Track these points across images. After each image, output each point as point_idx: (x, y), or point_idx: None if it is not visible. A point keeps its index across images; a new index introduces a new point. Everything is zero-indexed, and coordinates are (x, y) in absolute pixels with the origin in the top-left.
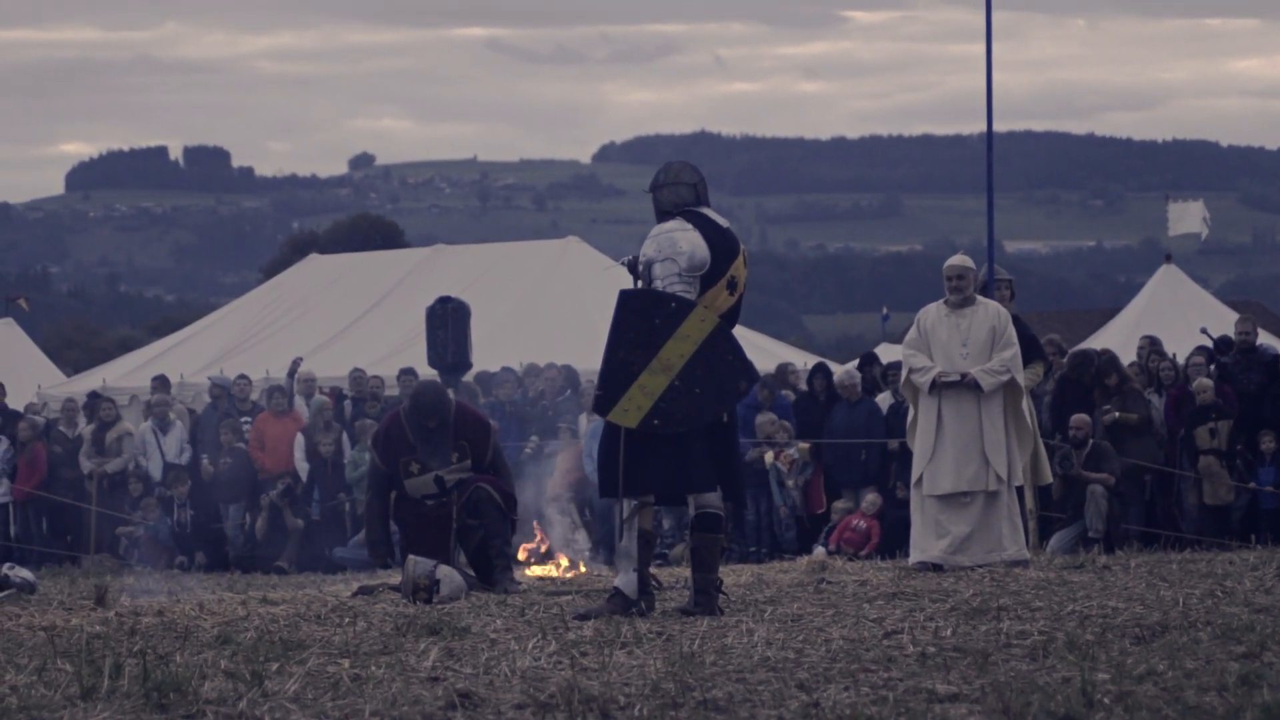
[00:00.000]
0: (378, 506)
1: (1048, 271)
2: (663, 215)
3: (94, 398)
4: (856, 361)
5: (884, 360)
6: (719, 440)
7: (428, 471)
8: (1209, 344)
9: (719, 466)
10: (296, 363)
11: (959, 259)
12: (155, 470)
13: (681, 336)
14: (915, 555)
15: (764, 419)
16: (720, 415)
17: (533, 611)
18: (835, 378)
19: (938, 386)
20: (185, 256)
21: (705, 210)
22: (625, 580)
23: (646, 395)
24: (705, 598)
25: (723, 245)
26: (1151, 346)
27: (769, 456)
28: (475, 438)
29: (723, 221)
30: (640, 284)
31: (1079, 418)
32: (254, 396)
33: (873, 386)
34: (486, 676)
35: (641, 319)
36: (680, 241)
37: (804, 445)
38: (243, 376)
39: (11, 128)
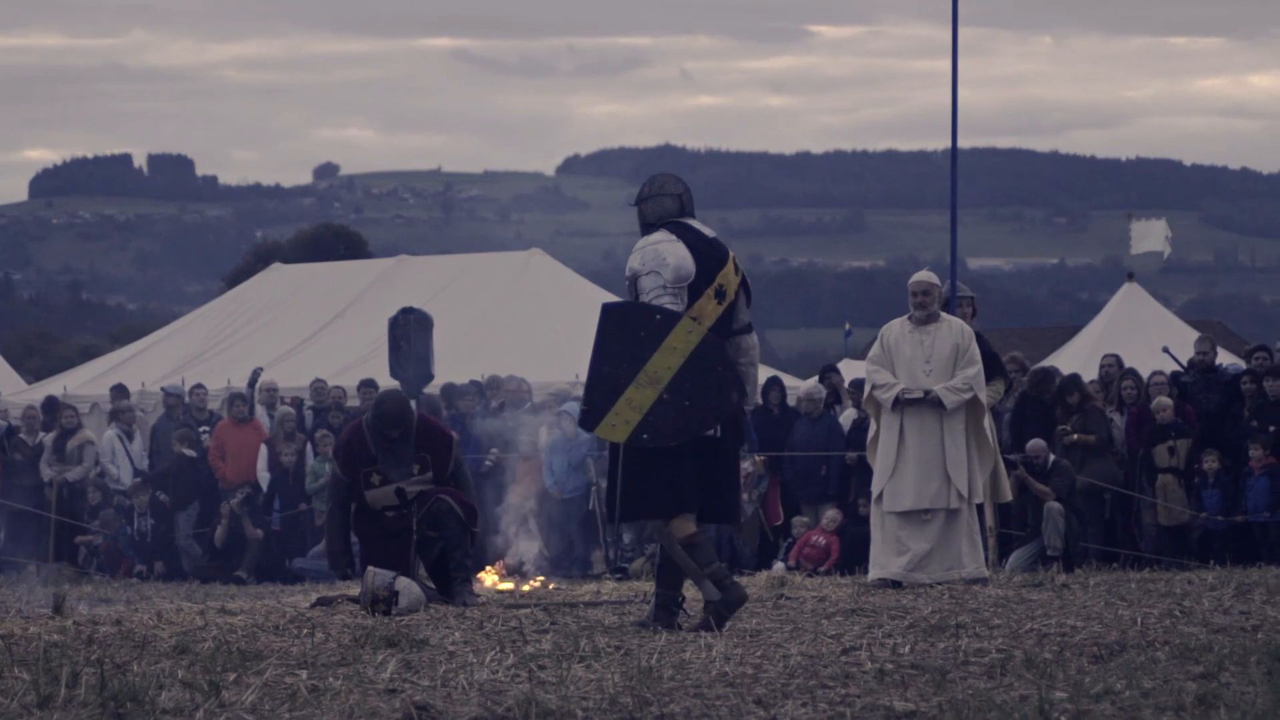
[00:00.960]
0: (338, 517)
1: (1010, 288)
2: (647, 228)
3: (51, 403)
4: (817, 376)
5: (846, 375)
6: (713, 460)
7: (389, 483)
8: (1172, 363)
9: (710, 486)
10: (256, 373)
11: (924, 275)
12: (126, 477)
13: (668, 349)
14: (875, 572)
15: None
16: (711, 427)
17: (491, 624)
18: (800, 393)
19: (900, 403)
20: (148, 265)
21: (690, 221)
22: (707, 590)
23: (634, 409)
24: (665, 613)
25: (709, 254)
26: (1117, 364)
27: None
28: (437, 450)
29: (709, 231)
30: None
31: (1035, 444)
32: (214, 406)
33: (834, 398)
34: (444, 689)
35: (625, 332)
36: (665, 254)
37: (759, 459)
38: (199, 386)
39: None
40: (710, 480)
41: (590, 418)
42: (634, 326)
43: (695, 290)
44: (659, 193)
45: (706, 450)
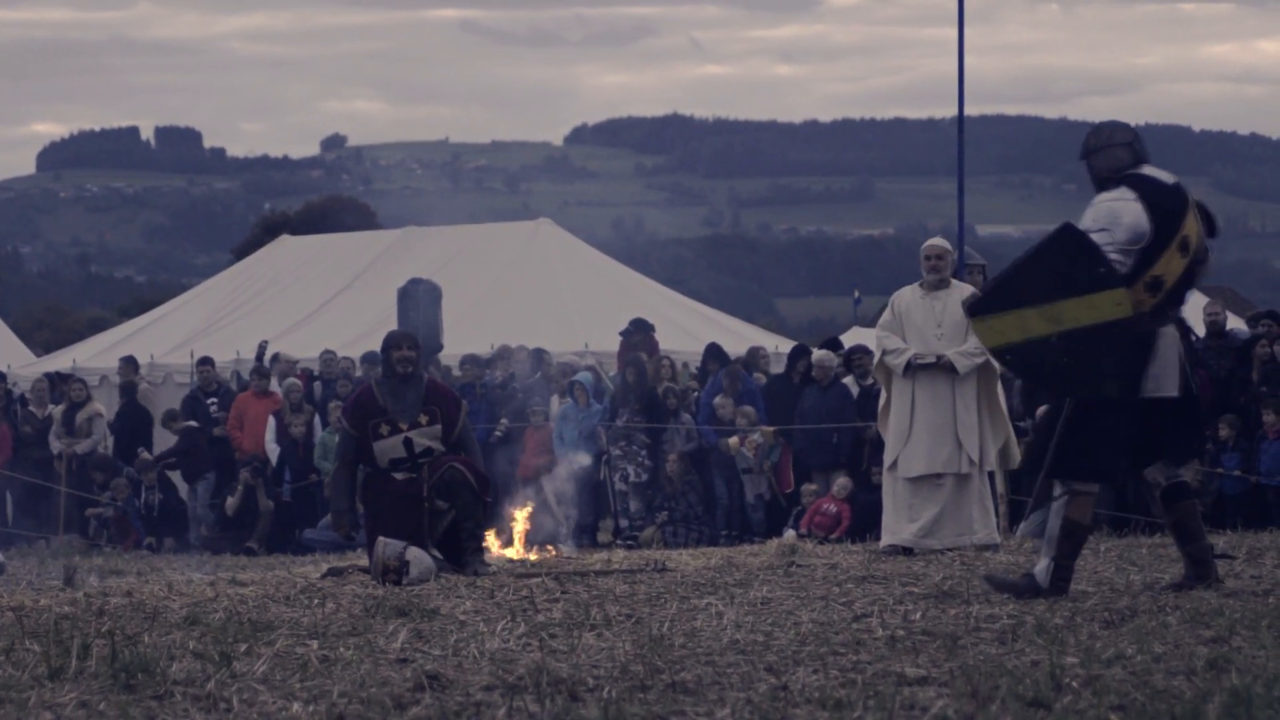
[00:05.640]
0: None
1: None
2: (1101, 183)
3: (57, 378)
4: (820, 344)
5: (861, 344)
6: (1174, 419)
7: (397, 433)
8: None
9: (1178, 438)
10: (263, 345)
11: (938, 240)
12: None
13: (1089, 304)
14: (886, 538)
15: (722, 405)
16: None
17: (502, 594)
18: (810, 360)
19: (912, 368)
20: (156, 237)
21: (1146, 170)
22: (1039, 570)
23: (1019, 331)
24: (1203, 568)
25: (1169, 205)
26: None
27: (733, 443)
28: (445, 406)
29: (1168, 179)
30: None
31: (1045, 411)
32: (223, 378)
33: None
34: (455, 658)
35: (1068, 260)
36: (1120, 212)
37: (767, 430)
38: (205, 360)
39: None
40: (1177, 431)
41: (980, 306)
42: (1078, 261)
43: (1159, 245)
44: (1107, 144)
45: (1165, 411)
